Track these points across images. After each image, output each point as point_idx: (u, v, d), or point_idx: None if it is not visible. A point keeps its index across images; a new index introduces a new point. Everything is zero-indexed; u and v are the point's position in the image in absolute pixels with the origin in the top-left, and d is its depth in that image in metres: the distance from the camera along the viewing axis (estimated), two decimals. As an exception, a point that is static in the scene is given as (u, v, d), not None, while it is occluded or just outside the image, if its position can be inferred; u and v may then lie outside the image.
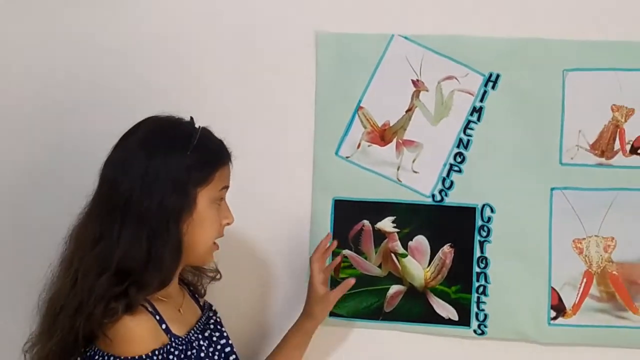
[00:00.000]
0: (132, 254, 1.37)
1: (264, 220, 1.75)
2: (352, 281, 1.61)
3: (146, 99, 1.66)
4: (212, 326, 1.57)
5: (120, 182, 1.37)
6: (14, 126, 1.79)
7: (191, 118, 1.45)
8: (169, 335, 1.41)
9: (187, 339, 1.44)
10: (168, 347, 1.40)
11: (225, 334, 1.57)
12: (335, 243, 1.68)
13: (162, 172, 1.39)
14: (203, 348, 1.48)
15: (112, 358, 1.36)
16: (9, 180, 1.79)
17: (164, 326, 1.40)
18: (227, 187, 1.47)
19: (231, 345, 1.56)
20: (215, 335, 1.55)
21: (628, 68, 1.65)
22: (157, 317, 1.40)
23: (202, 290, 1.65)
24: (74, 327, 1.37)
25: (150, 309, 1.39)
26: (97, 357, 1.37)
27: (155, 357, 1.37)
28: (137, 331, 1.36)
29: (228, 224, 1.48)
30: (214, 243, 1.47)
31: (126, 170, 1.38)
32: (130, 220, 1.37)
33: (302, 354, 1.68)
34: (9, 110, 1.79)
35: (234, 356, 1.55)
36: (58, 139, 1.77)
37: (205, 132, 1.46)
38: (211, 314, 1.60)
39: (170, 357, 1.40)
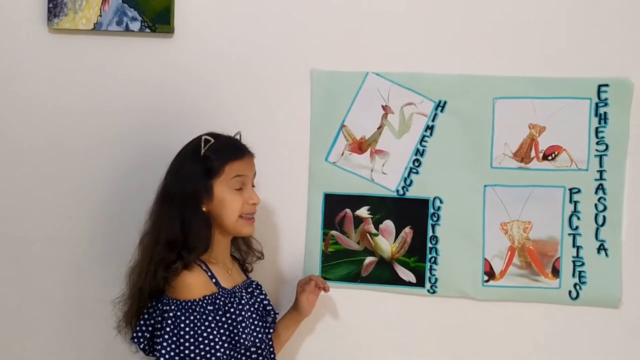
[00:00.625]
0: (173, 229, 1.67)
1: (272, 210, 1.98)
2: (327, 289, 1.88)
3: (189, 121, 1.93)
4: (254, 286, 1.81)
5: (166, 179, 1.73)
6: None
7: (209, 134, 1.70)
8: (217, 286, 1.68)
9: (231, 291, 1.70)
10: (216, 294, 1.67)
11: (264, 294, 1.81)
12: (326, 286, 1.89)
13: (184, 169, 1.69)
14: (245, 299, 1.72)
15: (176, 301, 1.64)
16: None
17: (214, 280, 1.67)
18: (241, 176, 1.68)
19: (269, 301, 1.80)
20: (256, 292, 1.79)
21: (540, 96, 1.91)
22: (209, 274, 1.67)
23: (250, 267, 1.90)
24: (142, 285, 1.70)
25: (204, 267, 1.67)
26: (165, 300, 1.67)
27: (205, 301, 1.64)
28: (192, 281, 1.64)
29: (254, 203, 1.71)
30: (241, 217, 1.69)
31: (169, 171, 1.73)
32: (169, 205, 1.69)
33: (289, 337, 1.92)
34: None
35: (271, 307, 1.79)
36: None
37: (221, 139, 1.71)
38: (257, 282, 1.84)
39: (217, 301, 1.66)
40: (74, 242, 2.08)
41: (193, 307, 1.64)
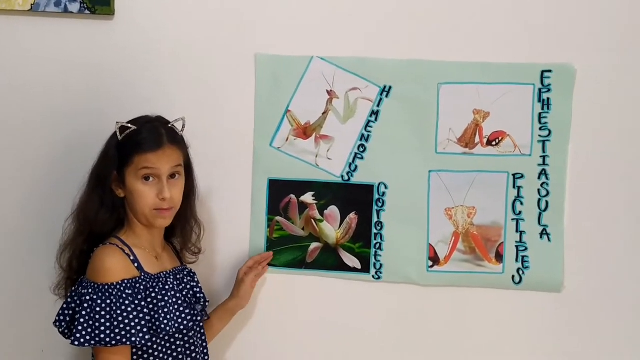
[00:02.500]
0: (87, 210, 1.69)
1: (216, 196, 1.97)
2: (266, 269, 1.93)
3: (130, 105, 1.89)
4: (185, 273, 1.80)
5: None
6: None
7: (139, 118, 1.70)
8: (140, 271, 1.65)
9: (156, 276, 1.68)
10: (137, 278, 1.64)
11: (196, 281, 1.80)
12: (271, 254, 1.94)
13: (104, 153, 1.70)
14: (170, 285, 1.70)
15: (93, 283, 1.61)
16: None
17: (136, 264, 1.65)
18: (150, 168, 1.64)
19: (201, 289, 1.80)
20: (186, 279, 1.78)
21: (485, 82, 1.92)
22: (132, 258, 1.65)
23: (185, 259, 1.88)
24: (70, 262, 1.72)
25: (126, 251, 1.66)
26: (84, 283, 1.64)
27: (124, 284, 1.61)
28: (110, 264, 1.62)
29: (163, 199, 1.66)
30: (154, 210, 1.66)
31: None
32: (88, 186, 1.71)
33: (223, 327, 1.91)
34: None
35: (202, 295, 1.79)
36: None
37: (142, 128, 1.68)
38: (190, 269, 1.83)
39: (137, 285, 1.63)
40: (6, 229, 2.04)
41: (110, 290, 1.61)
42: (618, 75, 1.95)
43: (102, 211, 1.69)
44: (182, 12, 1.98)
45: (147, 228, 1.73)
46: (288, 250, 2.02)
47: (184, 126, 1.76)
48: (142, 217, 1.70)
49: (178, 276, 1.78)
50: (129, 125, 1.70)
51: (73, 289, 1.71)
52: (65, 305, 1.69)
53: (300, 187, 2.00)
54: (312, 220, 2.01)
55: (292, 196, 2.00)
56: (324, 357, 2.04)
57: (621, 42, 1.95)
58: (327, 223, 2.01)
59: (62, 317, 1.69)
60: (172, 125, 1.74)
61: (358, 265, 2.00)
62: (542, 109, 1.95)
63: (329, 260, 2.01)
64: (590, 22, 1.94)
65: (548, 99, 1.94)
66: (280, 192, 2.00)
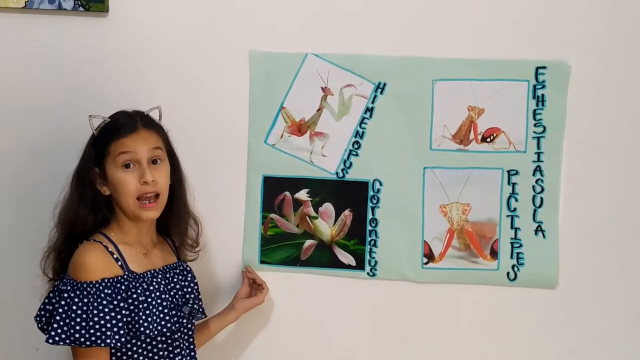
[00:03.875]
0: (68, 210, 1.66)
1: (210, 193, 1.96)
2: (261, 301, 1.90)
3: (123, 103, 1.81)
4: (179, 270, 1.75)
5: None
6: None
7: (114, 113, 1.67)
8: (124, 270, 1.60)
9: (140, 275, 1.62)
10: (118, 278, 1.58)
11: (189, 280, 1.75)
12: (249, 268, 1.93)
13: (83, 151, 1.67)
14: (155, 286, 1.64)
15: (72, 280, 1.56)
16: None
17: (119, 263, 1.60)
18: (126, 152, 1.60)
19: (193, 289, 1.74)
20: (177, 278, 1.72)
21: (479, 78, 1.92)
22: (115, 256, 1.60)
23: (184, 255, 1.84)
24: (53, 267, 1.69)
25: (110, 249, 1.61)
26: (64, 280, 1.60)
27: (103, 284, 1.56)
28: (90, 262, 1.56)
29: (144, 182, 1.60)
30: (139, 199, 1.61)
31: None
32: (71, 186, 1.68)
33: (218, 331, 1.91)
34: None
35: (192, 296, 1.72)
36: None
37: (116, 117, 1.65)
38: (185, 266, 1.78)
39: (118, 285, 1.57)
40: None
41: (88, 289, 1.56)
42: (612, 71, 1.95)
43: (80, 208, 1.65)
44: (176, 9, 1.97)
45: (135, 223, 1.68)
46: (282, 247, 2.02)
47: (160, 115, 1.73)
48: (128, 210, 1.64)
49: (167, 275, 1.72)
50: (101, 116, 1.67)
51: (55, 283, 1.67)
52: (46, 300, 1.64)
53: (295, 184, 2.00)
54: (307, 218, 2.01)
55: (287, 193, 2.00)
56: (319, 354, 2.04)
57: (615, 39, 1.95)
58: (322, 220, 2.01)
59: (42, 312, 1.64)
60: (147, 113, 1.72)
61: (353, 262, 2.00)
62: (537, 105, 1.95)
63: (323, 258, 2.01)
64: (584, 19, 1.95)
65: (543, 95, 1.95)
66: (275, 189, 2.00)
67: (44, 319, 1.64)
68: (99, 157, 1.64)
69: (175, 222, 1.79)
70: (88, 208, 1.65)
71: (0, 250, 2.03)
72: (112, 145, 1.62)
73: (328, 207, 2.00)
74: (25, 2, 1.96)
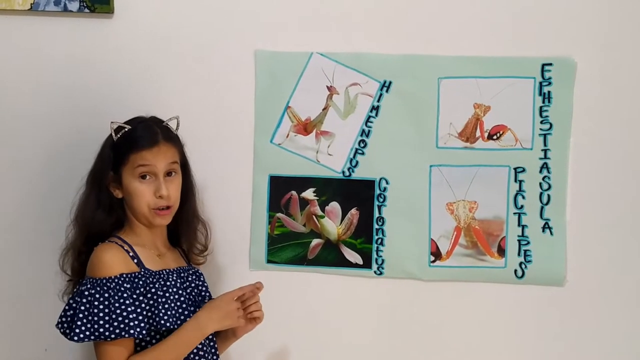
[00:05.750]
0: (85, 211, 1.70)
1: (217, 193, 1.96)
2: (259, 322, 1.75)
3: (129, 104, 1.88)
4: (191, 272, 1.78)
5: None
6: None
7: (133, 119, 1.70)
8: (140, 267, 1.65)
9: (156, 272, 1.67)
10: (136, 274, 1.63)
11: (202, 281, 1.78)
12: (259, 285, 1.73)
13: (100, 153, 1.71)
14: (172, 282, 1.68)
15: (91, 279, 1.61)
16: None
17: (135, 261, 1.65)
18: (145, 166, 1.64)
19: (207, 288, 1.77)
20: (191, 278, 1.76)
21: (484, 76, 1.92)
22: (131, 254, 1.65)
23: (194, 259, 1.85)
24: (72, 265, 1.73)
25: (126, 248, 1.65)
26: (83, 281, 1.64)
27: (122, 278, 1.61)
28: (107, 258, 1.62)
29: (160, 196, 1.66)
30: (153, 210, 1.66)
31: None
32: (86, 187, 1.72)
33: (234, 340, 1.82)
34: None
35: (208, 294, 1.76)
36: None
37: (135, 127, 1.68)
38: (198, 271, 1.80)
39: (136, 280, 1.62)
40: (7, 228, 2.02)
41: (108, 284, 1.60)
42: (618, 67, 1.95)
43: (98, 212, 1.69)
44: (181, 9, 1.98)
45: (147, 227, 1.72)
46: (289, 246, 2.02)
47: (178, 125, 1.76)
48: (141, 216, 1.69)
49: (182, 274, 1.76)
50: (124, 125, 1.70)
51: (75, 289, 1.71)
52: (67, 307, 1.67)
53: (301, 183, 2.00)
54: (314, 217, 2.01)
55: (293, 192, 2.00)
56: (326, 353, 2.04)
57: (621, 35, 1.95)
58: (329, 219, 2.01)
59: (63, 319, 1.66)
60: (167, 124, 1.74)
61: (360, 261, 2.00)
62: (543, 102, 1.95)
63: (330, 257, 2.01)
64: (590, 15, 1.95)
65: (549, 92, 1.94)
66: (281, 189, 2.00)
67: (65, 324, 1.66)
68: (117, 163, 1.68)
69: (184, 227, 1.81)
70: (104, 209, 1.69)
71: (7, 252, 2.03)
72: (132, 156, 1.66)
73: (335, 206, 2.00)
74: (31, 4, 1.97)
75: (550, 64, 1.93)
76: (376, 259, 2.00)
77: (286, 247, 2.02)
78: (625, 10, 1.94)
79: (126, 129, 1.69)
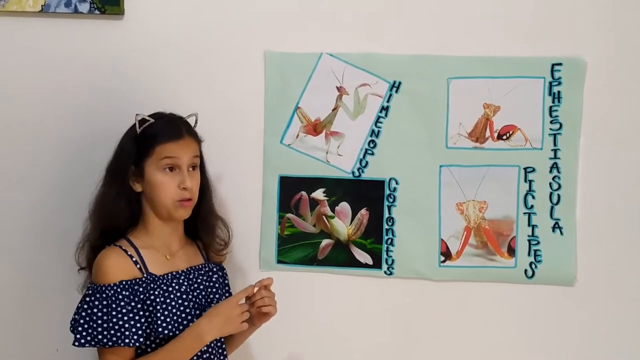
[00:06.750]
0: (102, 206, 1.68)
1: (227, 194, 1.96)
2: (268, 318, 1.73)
3: (139, 104, 1.85)
4: (206, 270, 1.76)
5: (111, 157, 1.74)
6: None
7: (154, 114, 1.69)
8: (142, 272, 1.63)
9: (160, 277, 1.65)
10: (137, 280, 1.62)
11: (214, 280, 1.75)
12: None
13: (121, 147, 1.70)
14: (175, 288, 1.66)
15: (93, 285, 1.61)
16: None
17: (138, 266, 1.63)
18: (171, 158, 1.64)
19: (218, 289, 1.74)
20: (201, 278, 1.73)
21: (494, 76, 1.93)
22: (134, 259, 1.63)
23: (216, 256, 1.83)
24: (87, 259, 1.71)
25: (129, 252, 1.64)
26: (88, 285, 1.65)
27: (121, 286, 1.60)
28: (105, 263, 1.61)
29: (184, 188, 1.65)
30: (178, 202, 1.65)
31: (115, 150, 1.74)
32: (105, 182, 1.70)
33: (243, 340, 1.84)
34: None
35: (217, 296, 1.72)
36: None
37: (159, 120, 1.68)
38: (215, 268, 1.78)
39: (136, 287, 1.61)
40: (20, 228, 2.03)
41: (107, 291, 1.60)
42: (628, 67, 1.95)
43: (118, 204, 1.67)
44: (191, 11, 1.99)
45: (164, 223, 1.71)
46: (299, 247, 2.02)
47: (196, 122, 1.77)
48: (163, 209, 1.68)
49: (191, 276, 1.74)
50: (148, 117, 1.69)
51: (84, 292, 1.71)
52: (75, 310, 1.67)
53: (311, 183, 2.00)
54: (324, 217, 2.01)
55: (303, 193, 2.00)
56: (336, 353, 2.04)
57: (631, 35, 1.95)
58: (339, 219, 2.01)
59: (72, 322, 1.66)
60: (187, 119, 1.76)
61: (370, 261, 2.01)
62: (553, 102, 1.95)
63: (340, 257, 2.01)
64: (600, 15, 1.95)
65: (559, 92, 1.94)
66: (291, 189, 2.00)
67: (71, 327, 1.66)
68: (140, 155, 1.67)
69: (202, 223, 1.80)
70: (123, 202, 1.67)
71: (19, 253, 2.04)
72: (158, 148, 1.65)
73: (344, 206, 2.00)
74: (42, 6, 1.97)
75: (560, 64, 1.93)
76: (386, 259, 2.00)
77: (296, 248, 2.02)
78: (635, 9, 1.94)
79: (149, 122, 1.69)
